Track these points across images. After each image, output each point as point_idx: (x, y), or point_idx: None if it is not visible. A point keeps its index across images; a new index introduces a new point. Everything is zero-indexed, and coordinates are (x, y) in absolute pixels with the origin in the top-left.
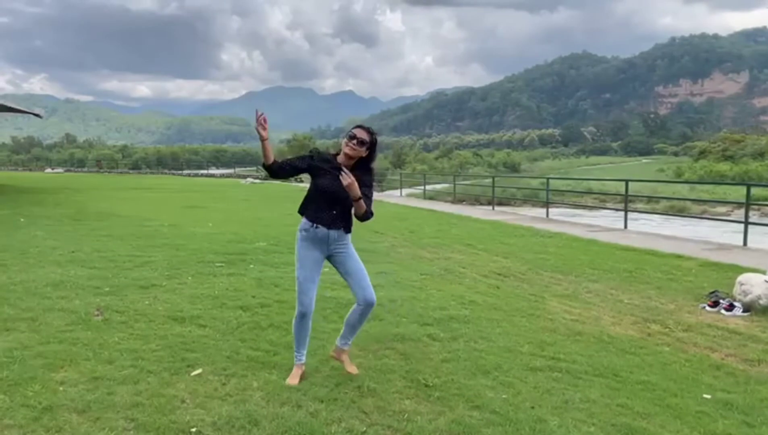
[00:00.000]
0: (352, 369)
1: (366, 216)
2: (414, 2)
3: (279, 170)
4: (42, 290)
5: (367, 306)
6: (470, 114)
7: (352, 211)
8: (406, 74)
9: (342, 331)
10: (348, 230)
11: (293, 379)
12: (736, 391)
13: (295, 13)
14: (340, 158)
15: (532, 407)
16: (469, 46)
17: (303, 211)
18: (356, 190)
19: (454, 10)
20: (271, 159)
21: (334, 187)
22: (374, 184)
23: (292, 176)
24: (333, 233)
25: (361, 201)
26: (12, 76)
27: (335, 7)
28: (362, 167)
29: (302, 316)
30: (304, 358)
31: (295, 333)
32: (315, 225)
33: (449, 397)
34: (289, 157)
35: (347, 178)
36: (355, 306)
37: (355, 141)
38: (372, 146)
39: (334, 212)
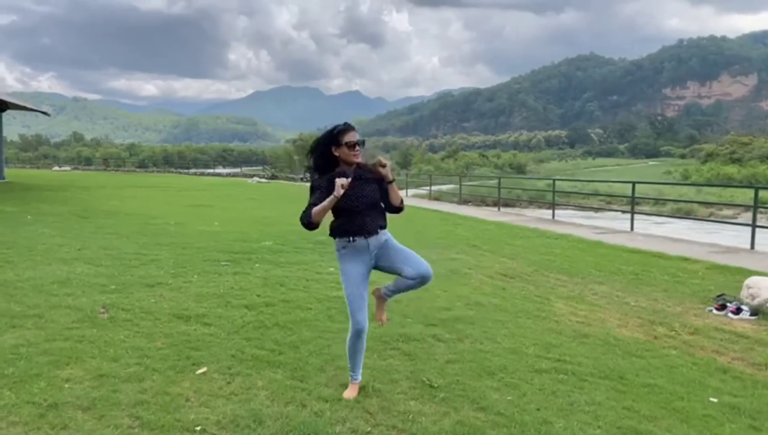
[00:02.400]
0: (382, 316)
1: (401, 206)
2: (420, 3)
3: (316, 224)
4: (48, 287)
5: (424, 279)
6: (476, 115)
7: (382, 216)
8: (413, 75)
9: (392, 284)
10: (383, 228)
11: (351, 392)
12: (743, 394)
13: (301, 13)
14: (342, 167)
15: (538, 409)
16: (475, 47)
17: (335, 233)
18: (389, 172)
19: (461, 11)
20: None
21: (356, 199)
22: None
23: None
24: (372, 240)
25: (394, 185)
26: (20, 74)
27: (342, 8)
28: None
29: (358, 335)
30: (359, 376)
31: (350, 352)
32: (351, 239)
33: (454, 398)
34: (311, 202)
35: (384, 162)
36: (411, 281)
37: (356, 147)
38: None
39: (366, 220)
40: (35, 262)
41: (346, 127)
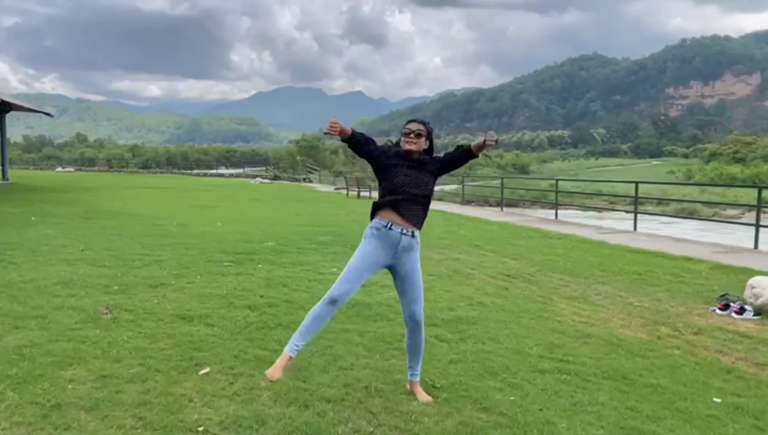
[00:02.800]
0: (425, 398)
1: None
2: (422, 3)
3: (355, 141)
4: (52, 288)
5: (414, 323)
6: (479, 115)
7: (424, 214)
8: (415, 75)
9: (407, 361)
10: (415, 235)
11: (276, 372)
12: (747, 394)
13: (304, 14)
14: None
15: (541, 409)
16: (478, 47)
17: (375, 212)
18: (494, 138)
19: (463, 11)
20: (349, 133)
21: (410, 183)
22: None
23: (363, 151)
24: (405, 239)
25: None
26: (24, 76)
27: (344, 8)
28: (427, 158)
29: (331, 302)
30: (299, 349)
31: (310, 318)
32: (389, 225)
33: (457, 398)
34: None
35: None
36: (406, 332)
37: (412, 135)
38: (430, 136)
39: (413, 211)
40: (39, 263)
41: (415, 119)
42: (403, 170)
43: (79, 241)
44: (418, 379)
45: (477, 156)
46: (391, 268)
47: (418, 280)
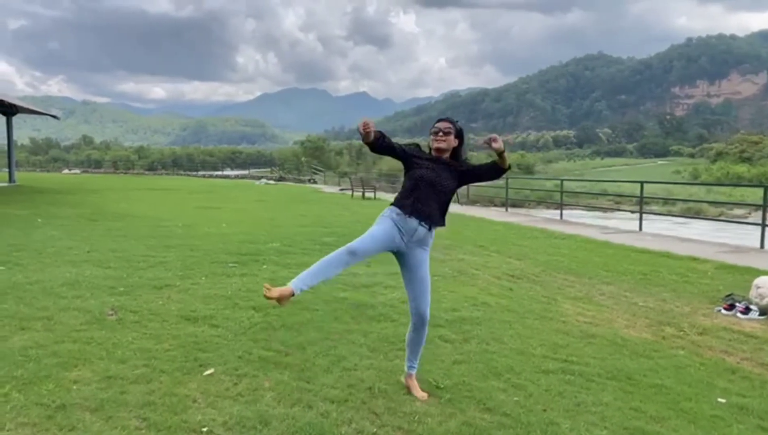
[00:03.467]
0: (420, 394)
1: (507, 166)
2: (427, 4)
3: (378, 143)
4: (57, 290)
5: (420, 320)
6: (484, 115)
7: (442, 212)
8: (420, 75)
9: (406, 353)
10: (436, 226)
11: (274, 292)
12: (752, 395)
13: (308, 15)
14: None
15: (544, 410)
16: (482, 48)
17: (399, 203)
18: (500, 143)
19: (468, 11)
20: (371, 137)
21: (432, 176)
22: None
23: (386, 154)
24: (421, 230)
25: (505, 154)
26: (30, 78)
27: (348, 9)
28: (456, 159)
29: (350, 253)
30: (305, 288)
31: (321, 263)
32: (409, 215)
33: (460, 398)
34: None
35: (497, 141)
36: (410, 324)
37: (440, 133)
38: (459, 134)
39: (431, 205)
40: (45, 265)
41: (443, 118)
42: (427, 163)
43: (85, 242)
44: (414, 371)
45: (504, 166)
46: (400, 256)
47: (425, 276)
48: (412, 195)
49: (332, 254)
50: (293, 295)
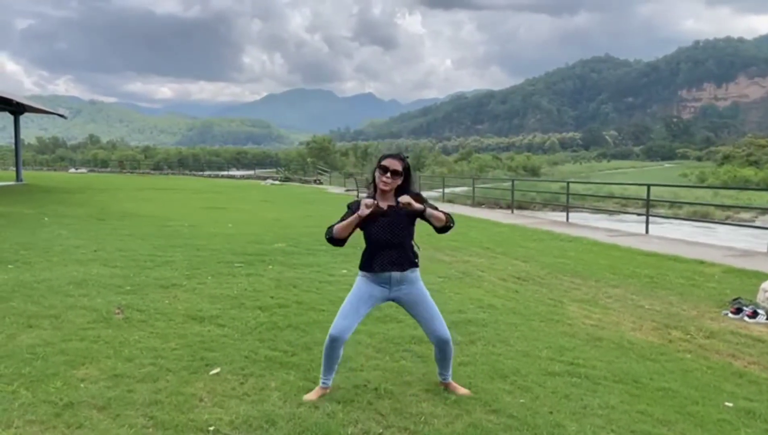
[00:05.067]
0: (462, 391)
1: (447, 224)
2: (433, 5)
3: (338, 239)
4: (65, 288)
5: (441, 343)
6: (490, 117)
7: (410, 253)
8: (426, 77)
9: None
10: (410, 268)
11: (312, 396)
12: (759, 399)
13: (314, 16)
14: (378, 195)
15: (551, 412)
16: (488, 49)
17: (363, 267)
18: (414, 204)
19: (473, 12)
20: (345, 236)
21: (382, 233)
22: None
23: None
24: (395, 275)
25: (430, 211)
26: (38, 78)
27: (354, 11)
28: (401, 193)
29: (332, 341)
30: (329, 382)
31: (324, 356)
32: (373, 274)
33: (466, 400)
34: (340, 218)
35: (404, 199)
36: (434, 347)
37: (388, 174)
38: (406, 172)
39: (393, 256)
40: (52, 264)
41: (393, 154)
42: (375, 222)
43: (92, 241)
44: (449, 379)
45: (438, 225)
46: (397, 302)
47: (429, 302)
48: (373, 256)
49: (325, 347)
50: (327, 389)
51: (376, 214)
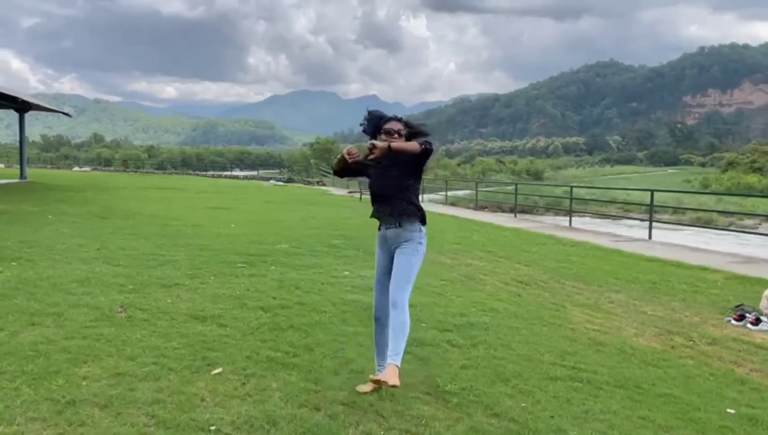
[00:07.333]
0: (393, 381)
1: (424, 150)
2: (438, 9)
3: (337, 171)
4: (68, 286)
5: (391, 305)
6: (494, 121)
7: (405, 205)
8: (430, 80)
9: (378, 358)
10: (405, 224)
11: (363, 387)
12: (762, 406)
13: (319, 18)
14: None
15: (552, 417)
16: (493, 53)
17: (372, 214)
18: (377, 143)
19: (478, 16)
20: (338, 169)
21: (375, 183)
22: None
23: (351, 177)
24: (390, 232)
25: (396, 144)
26: (43, 76)
27: (359, 13)
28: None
29: (375, 321)
30: (383, 366)
31: (376, 344)
32: (380, 225)
33: (467, 403)
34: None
35: (376, 146)
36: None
37: (395, 135)
38: (407, 126)
39: (386, 209)
40: (55, 261)
41: (391, 117)
42: (372, 171)
43: (95, 240)
44: (394, 361)
45: (406, 150)
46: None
47: (402, 261)
48: (373, 207)
49: (376, 330)
50: (397, 367)
51: (367, 159)
